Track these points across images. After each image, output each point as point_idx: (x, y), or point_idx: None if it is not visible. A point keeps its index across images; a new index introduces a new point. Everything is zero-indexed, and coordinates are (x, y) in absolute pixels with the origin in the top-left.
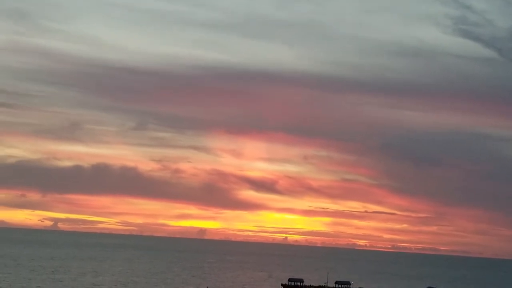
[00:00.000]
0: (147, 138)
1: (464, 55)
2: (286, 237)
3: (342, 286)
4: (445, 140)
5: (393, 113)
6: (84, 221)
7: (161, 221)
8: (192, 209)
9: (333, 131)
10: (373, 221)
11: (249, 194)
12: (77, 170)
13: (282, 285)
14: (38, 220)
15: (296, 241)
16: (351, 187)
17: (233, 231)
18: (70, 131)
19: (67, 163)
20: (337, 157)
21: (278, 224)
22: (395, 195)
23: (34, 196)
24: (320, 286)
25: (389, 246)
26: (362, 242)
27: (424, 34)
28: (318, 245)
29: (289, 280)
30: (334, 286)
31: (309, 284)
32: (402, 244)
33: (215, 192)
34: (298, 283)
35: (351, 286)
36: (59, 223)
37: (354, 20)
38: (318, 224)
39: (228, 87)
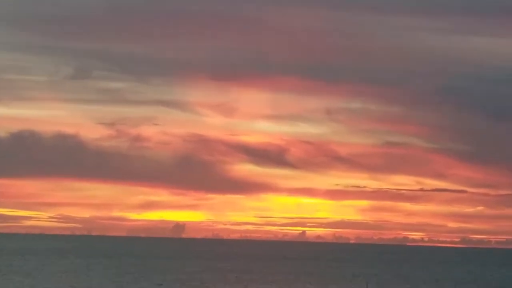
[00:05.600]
0: (92, 91)
1: None
2: (303, 232)
3: None
4: None
5: (458, 41)
6: (4, 217)
7: (116, 213)
8: (162, 195)
9: (370, 71)
10: (432, 203)
11: (246, 169)
12: None
13: None
14: None
15: (319, 236)
16: (398, 154)
17: (225, 224)
18: None
19: None
20: (376, 110)
21: (291, 213)
22: (464, 163)
23: None
24: None
25: (457, 240)
26: (416, 235)
27: None
28: (352, 241)
29: None
30: None
31: None
32: (476, 236)
33: (195, 168)
34: None
35: None
36: None
37: None
38: (350, 210)
39: (213, 10)
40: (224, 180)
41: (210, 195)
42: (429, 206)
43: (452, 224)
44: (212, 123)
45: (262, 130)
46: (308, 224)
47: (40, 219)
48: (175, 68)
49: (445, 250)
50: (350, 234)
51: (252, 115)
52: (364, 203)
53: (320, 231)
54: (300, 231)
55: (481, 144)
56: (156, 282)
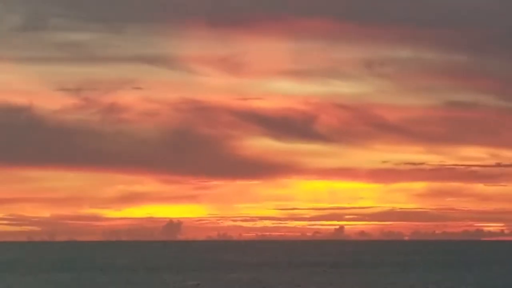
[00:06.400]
0: (49, 47)
1: None
2: (341, 227)
3: None
4: None
5: None
6: None
7: (88, 210)
8: (149, 184)
9: (423, 8)
10: None
11: (261, 145)
12: None
13: None
14: None
15: (362, 233)
16: (466, 118)
17: (235, 221)
18: None
19: None
20: (433, 61)
21: (323, 202)
22: None
23: None
24: None
25: None
26: (494, 227)
27: None
28: (406, 238)
29: None
30: None
31: None
32: None
33: (192, 147)
34: None
35: None
36: None
37: None
38: (403, 196)
39: None
40: (232, 162)
41: (213, 182)
42: (510, 186)
43: None
44: (213, 85)
45: (281, 92)
46: (346, 217)
47: None
48: (160, 12)
49: None
50: (403, 229)
51: (267, 72)
52: (422, 185)
53: (363, 225)
54: (337, 227)
55: None
56: None
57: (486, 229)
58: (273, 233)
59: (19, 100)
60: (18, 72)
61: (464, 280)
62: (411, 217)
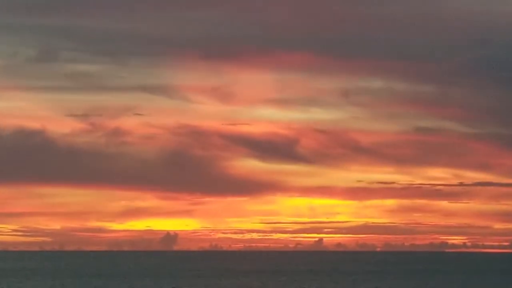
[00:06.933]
0: (59, 77)
1: None
2: (320, 239)
3: None
4: None
5: (504, 3)
6: None
7: (94, 223)
8: (148, 200)
9: (395, 43)
10: (475, 201)
11: (249, 165)
12: None
13: None
14: None
15: (339, 244)
16: (432, 142)
17: (225, 233)
18: None
19: None
20: (403, 91)
21: (304, 217)
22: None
23: None
24: None
25: (506, 244)
26: (457, 240)
27: None
28: (378, 249)
29: None
30: None
31: None
32: None
33: (187, 167)
34: None
35: None
36: None
37: None
38: (376, 212)
39: None
40: (223, 180)
41: (206, 199)
42: (471, 204)
43: (499, 225)
44: (206, 112)
45: (267, 118)
46: (325, 230)
47: (1, 232)
48: (159, 46)
49: (492, 256)
50: (376, 241)
51: (254, 100)
52: (392, 202)
53: (340, 237)
54: (316, 239)
55: None
56: None
57: (450, 241)
58: (259, 244)
59: (33, 124)
60: (32, 100)
61: (429, 285)
62: (382, 230)
